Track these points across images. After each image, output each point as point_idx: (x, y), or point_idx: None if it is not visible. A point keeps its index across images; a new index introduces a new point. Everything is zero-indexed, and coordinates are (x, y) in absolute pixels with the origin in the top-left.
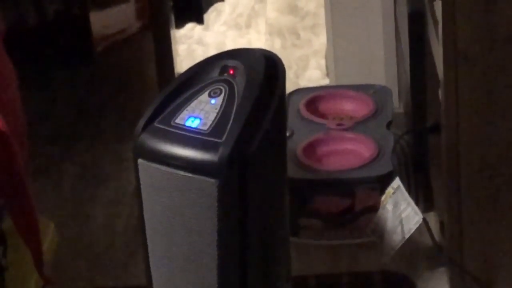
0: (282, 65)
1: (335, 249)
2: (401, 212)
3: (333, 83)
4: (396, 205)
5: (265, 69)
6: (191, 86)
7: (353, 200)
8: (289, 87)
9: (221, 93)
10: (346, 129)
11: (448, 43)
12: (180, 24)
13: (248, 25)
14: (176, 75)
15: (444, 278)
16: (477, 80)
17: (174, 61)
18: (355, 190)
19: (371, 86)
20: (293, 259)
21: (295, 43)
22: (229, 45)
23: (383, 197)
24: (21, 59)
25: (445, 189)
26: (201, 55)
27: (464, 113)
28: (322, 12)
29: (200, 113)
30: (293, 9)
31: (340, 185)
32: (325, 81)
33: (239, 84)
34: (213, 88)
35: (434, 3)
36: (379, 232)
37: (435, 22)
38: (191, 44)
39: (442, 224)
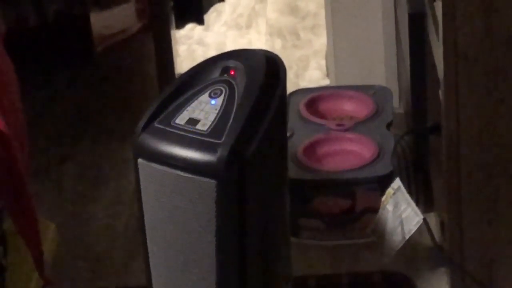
0: (283, 66)
1: (336, 250)
2: (402, 213)
3: (333, 84)
4: (396, 205)
5: (266, 70)
6: (191, 87)
7: (353, 201)
8: (289, 87)
9: (221, 93)
10: (346, 130)
11: (448, 44)
12: (180, 24)
13: (248, 26)
14: (176, 76)
15: (444, 279)
16: (478, 80)
17: (175, 61)
18: (356, 191)
19: (371, 87)
20: (293, 259)
21: (296, 43)
22: (230, 46)
23: (383, 198)
24: (22, 59)
25: (445, 190)
26: (201, 55)
27: (464, 114)
28: (322, 12)
29: (200, 114)
30: (293, 10)
31: (341, 185)
32: (326, 82)
33: (240, 85)
34: (213, 88)
35: (435, 3)
36: (380, 233)
37: (436, 23)
38: (192, 45)
39: (442, 225)
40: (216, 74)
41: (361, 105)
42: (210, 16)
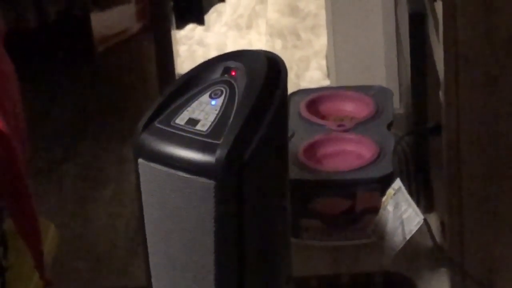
0: (284, 66)
1: (336, 250)
2: (402, 213)
3: (334, 84)
4: (397, 206)
5: (266, 70)
6: (192, 87)
7: (353, 201)
8: (290, 88)
9: (221, 94)
10: (346, 130)
11: (449, 44)
12: (180, 25)
13: (248, 26)
14: (176, 76)
15: (445, 279)
16: (478, 81)
17: (175, 62)
18: (356, 191)
19: (372, 87)
20: (293, 260)
21: (296, 44)
22: (230, 46)
23: (383, 198)
24: (22, 59)
25: (446, 190)
26: (201, 56)
27: (465, 114)
28: (322, 13)
29: (200, 114)
30: (293, 10)
31: (341, 186)
32: (326, 82)
33: (240, 86)
34: (214, 89)
35: (435, 3)
36: (380, 233)
37: (436, 23)
38: (192, 45)
39: (443, 225)
40: (217, 74)
41: (362, 106)
42: (210, 16)
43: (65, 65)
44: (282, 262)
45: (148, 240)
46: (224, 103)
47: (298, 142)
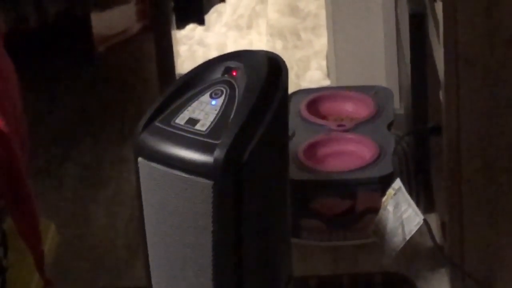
0: (286, 67)
1: (336, 250)
2: (402, 213)
3: (334, 84)
4: (397, 206)
5: (267, 71)
6: (193, 87)
7: (354, 201)
8: (290, 88)
9: (222, 94)
10: (347, 130)
11: (449, 44)
12: (181, 25)
13: (249, 26)
14: (177, 76)
15: (445, 279)
16: (478, 81)
17: (175, 62)
18: (356, 191)
19: (372, 87)
20: (294, 260)
21: (296, 44)
22: (230, 46)
23: (384, 198)
24: (22, 60)
25: (446, 190)
26: (202, 56)
27: (465, 114)
28: (323, 13)
29: (200, 114)
30: (294, 10)
31: (341, 186)
32: (326, 82)
33: (241, 86)
34: (214, 89)
35: (435, 4)
36: (380, 233)
37: (436, 23)
38: (192, 45)
39: (443, 225)
40: (217, 74)
41: (362, 106)
42: (210, 16)
43: (65, 65)
44: (282, 262)
45: (147, 240)
46: (224, 103)
47: (298, 142)
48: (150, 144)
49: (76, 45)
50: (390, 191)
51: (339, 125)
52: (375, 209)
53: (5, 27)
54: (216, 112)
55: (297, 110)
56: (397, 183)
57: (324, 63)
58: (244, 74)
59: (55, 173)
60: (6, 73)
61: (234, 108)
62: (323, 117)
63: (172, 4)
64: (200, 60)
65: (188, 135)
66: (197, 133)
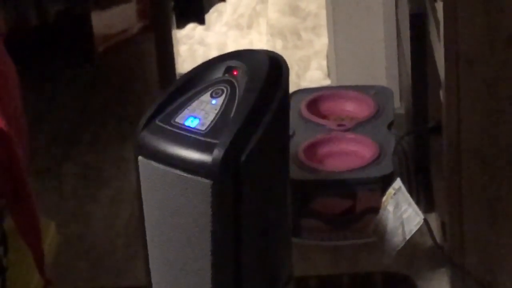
0: (287, 67)
1: (336, 250)
2: (402, 213)
3: (334, 84)
4: (397, 206)
5: (268, 70)
6: (194, 86)
7: (354, 201)
8: (290, 87)
9: (222, 93)
10: (347, 130)
11: (449, 44)
12: (181, 24)
13: (249, 26)
14: (177, 76)
15: (445, 279)
16: (479, 80)
17: (176, 61)
18: (356, 191)
19: (372, 87)
20: (294, 259)
21: (297, 43)
22: (231, 46)
23: (384, 198)
24: (22, 59)
25: (446, 190)
26: (202, 55)
27: (465, 114)
28: (323, 13)
29: (200, 113)
30: (294, 10)
31: (341, 186)
32: (327, 82)
33: (241, 85)
34: (215, 88)
35: (436, 3)
36: (380, 233)
37: (437, 23)
38: (193, 45)
39: (443, 225)
40: (219, 74)
41: (362, 106)
42: (211, 16)
43: (65, 65)
44: (283, 262)
45: (147, 238)
46: (225, 103)
47: (298, 142)
48: (150, 142)
49: (76, 45)
50: (390, 191)
51: (339, 125)
52: (375, 209)
53: (5, 27)
54: (216, 111)
55: (298, 109)
56: (397, 183)
57: (324, 62)
58: (245, 74)
59: (55, 172)
60: (6, 73)
61: (234, 107)
62: (323, 117)
63: (172, 3)
64: (200, 60)
65: (188, 134)
66: (197, 132)
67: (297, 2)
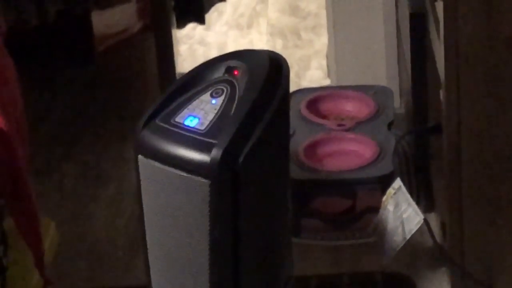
0: (287, 67)
1: (336, 250)
2: (402, 213)
3: (334, 84)
4: (397, 205)
5: (268, 70)
6: (194, 85)
7: (354, 201)
8: (290, 87)
9: (222, 93)
10: (347, 130)
11: (449, 44)
12: (181, 24)
13: (249, 26)
14: (177, 75)
15: (445, 279)
16: (479, 80)
17: (176, 61)
18: (356, 191)
19: (372, 87)
20: (294, 259)
21: (297, 43)
22: (231, 45)
23: (384, 198)
24: (23, 59)
25: (446, 190)
26: (202, 55)
27: (466, 114)
28: (323, 12)
29: (199, 113)
30: (294, 10)
31: (341, 185)
32: (326, 82)
33: (241, 85)
34: (215, 88)
35: (436, 3)
36: (380, 233)
37: (437, 23)
38: (193, 44)
39: (443, 225)
40: (219, 73)
41: (362, 105)
42: (211, 15)
43: (66, 64)
44: (282, 261)
45: (147, 238)
46: (224, 103)
47: (298, 142)
48: (149, 141)
49: (76, 44)
50: (390, 191)
51: (339, 125)
52: (375, 208)
53: (5, 26)
54: (216, 111)
55: (297, 109)
56: (397, 183)
57: (324, 62)
58: (245, 74)
59: (56, 171)
60: (6, 72)
61: (234, 107)
62: (323, 117)
63: (172, 3)
64: (200, 59)
65: (187, 133)
66: (196, 132)
67: (297, 2)
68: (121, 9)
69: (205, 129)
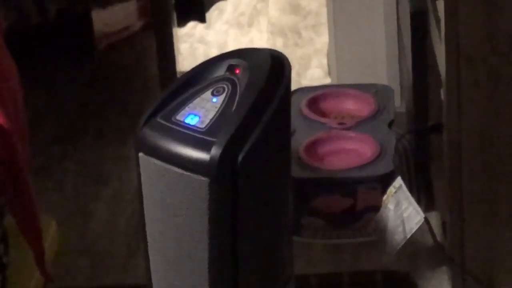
0: (289, 65)
1: (337, 248)
2: (403, 212)
3: (335, 82)
4: (397, 204)
5: (270, 69)
6: (196, 84)
7: (354, 200)
8: (291, 86)
9: (223, 92)
10: (347, 128)
11: (450, 43)
12: (182, 22)
13: (250, 24)
14: (178, 74)
15: (445, 278)
16: (480, 79)
17: (176, 59)
18: (357, 190)
19: (373, 85)
20: (294, 258)
21: (297, 42)
22: (231, 44)
23: (384, 197)
24: (23, 57)
25: (446, 189)
26: (202, 53)
27: (466, 113)
28: (324, 11)
29: (200, 111)
30: (295, 8)
31: (342, 184)
32: (327, 80)
33: (242, 84)
34: (216, 86)
35: (437, 2)
36: (381, 232)
37: (438, 21)
38: (193, 43)
39: (443, 224)
40: (220, 72)
41: (363, 104)
42: (211, 14)
43: (66, 63)
44: (283, 260)
45: (147, 235)
46: (225, 101)
47: (299, 140)
48: (150, 139)
49: (77, 43)
50: (391, 189)
51: (340, 123)
52: (376, 207)
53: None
54: (216, 109)
55: (298, 108)
56: (398, 181)
57: (325, 61)
58: (246, 72)
59: (56, 170)
60: (6, 70)
61: (234, 105)
62: (324, 115)
63: (173, 1)
64: (201, 58)
65: (187, 131)
66: (196, 130)
67: (297, 1)
68: (122, 7)
69: (205, 127)
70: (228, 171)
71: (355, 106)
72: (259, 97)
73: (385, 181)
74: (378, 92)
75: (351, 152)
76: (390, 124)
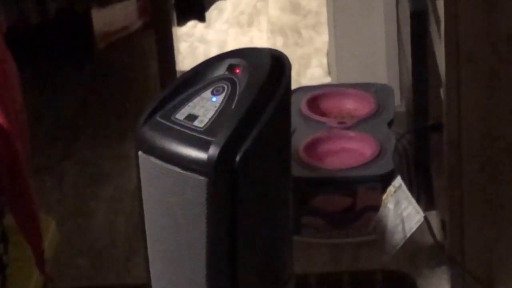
0: (289, 65)
1: (337, 248)
2: (403, 211)
3: (335, 82)
4: (397, 203)
5: (270, 69)
6: (196, 83)
7: (354, 199)
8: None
9: (223, 91)
10: (347, 128)
11: (450, 42)
12: (182, 21)
13: (250, 23)
14: (178, 73)
15: (445, 277)
16: (479, 79)
17: (176, 59)
18: (357, 189)
19: (373, 85)
20: (294, 257)
21: (297, 41)
22: (231, 43)
23: (384, 196)
24: (23, 56)
25: (446, 188)
26: (202, 53)
27: (466, 112)
28: (324, 10)
29: (199, 110)
30: (295, 8)
31: (342, 183)
32: (327, 80)
33: (242, 83)
34: (216, 86)
35: (437, 2)
36: (381, 231)
37: (437, 21)
38: (193, 42)
39: (443, 223)
40: (220, 71)
41: (363, 103)
42: (211, 13)
43: (66, 62)
44: (283, 259)
45: (147, 234)
46: (225, 100)
47: (299, 140)
48: (149, 138)
49: (76, 42)
50: (391, 189)
51: (339, 123)
52: (376, 206)
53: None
54: (216, 108)
55: (298, 107)
56: (398, 181)
57: (325, 60)
58: (246, 72)
59: (55, 169)
60: (6, 69)
61: (234, 105)
62: (324, 115)
63: (173, 1)
64: (200, 57)
65: (186, 131)
66: (195, 129)
67: (297, 0)
68: (122, 6)
69: (204, 126)
70: (226, 171)
71: (355, 106)
72: (259, 96)
73: (385, 180)
74: (378, 91)
75: (351, 151)
76: (390, 124)
